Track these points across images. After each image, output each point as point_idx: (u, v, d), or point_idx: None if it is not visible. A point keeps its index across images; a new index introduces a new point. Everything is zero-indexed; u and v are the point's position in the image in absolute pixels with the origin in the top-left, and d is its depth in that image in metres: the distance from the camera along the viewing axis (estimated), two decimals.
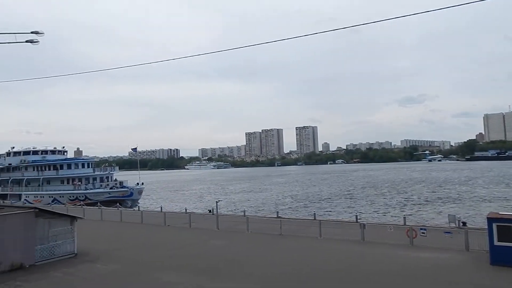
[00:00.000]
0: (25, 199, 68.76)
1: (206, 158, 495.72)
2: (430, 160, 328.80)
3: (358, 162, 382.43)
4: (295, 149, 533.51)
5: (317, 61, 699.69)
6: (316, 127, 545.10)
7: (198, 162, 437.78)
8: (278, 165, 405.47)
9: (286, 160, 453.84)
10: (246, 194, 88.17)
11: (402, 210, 52.98)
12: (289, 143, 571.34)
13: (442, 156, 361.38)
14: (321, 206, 59.95)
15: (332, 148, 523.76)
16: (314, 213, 37.40)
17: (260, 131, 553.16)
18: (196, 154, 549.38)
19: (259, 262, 20.80)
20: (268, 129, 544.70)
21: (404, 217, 31.73)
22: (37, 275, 19.52)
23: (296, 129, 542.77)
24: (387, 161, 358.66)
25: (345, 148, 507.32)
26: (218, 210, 35.50)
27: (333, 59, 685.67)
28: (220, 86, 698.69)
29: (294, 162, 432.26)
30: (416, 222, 37.04)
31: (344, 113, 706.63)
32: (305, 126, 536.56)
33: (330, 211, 54.11)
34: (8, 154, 76.67)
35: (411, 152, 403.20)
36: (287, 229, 27.70)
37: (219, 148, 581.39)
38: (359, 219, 32.40)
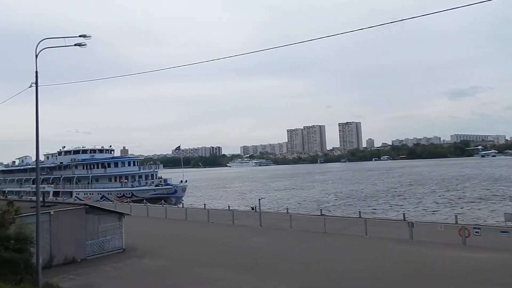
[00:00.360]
0: (75, 196, 72.32)
1: (248, 155, 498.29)
2: (483, 156, 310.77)
3: (405, 158, 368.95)
4: (338, 146, 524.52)
5: (358, 54, 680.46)
6: (359, 122, 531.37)
7: (240, 159, 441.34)
8: (321, 162, 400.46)
9: (329, 157, 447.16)
10: (289, 192, 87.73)
11: (453, 208, 50.51)
12: (332, 140, 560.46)
13: (497, 151, 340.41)
14: (366, 204, 58.44)
15: (377, 144, 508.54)
16: (359, 211, 36.49)
17: (302, 127, 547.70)
18: (237, 151, 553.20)
19: (302, 260, 20.51)
20: (310, 125, 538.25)
21: (456, 216, 30.23)
22: (88, 269, 20.38)
23: (339, 125, 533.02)
24: (436, 157, 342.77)
25: (390, 144, 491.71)
26: (261, 207, 35.56)
27: (376, 52, 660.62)
28: (259, 83, 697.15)
29: (338, 159, 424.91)
30: (468, 220, 35.17)
31: (389, 108, 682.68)
32: (348, 122, 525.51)
33: (375, 209, 52.61)
34: (59, 153, 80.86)
35: (462, 148, 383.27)
36: (331, 227, 27.18)
37: (261, 145, 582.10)
38: (407, 217, 31.21)
